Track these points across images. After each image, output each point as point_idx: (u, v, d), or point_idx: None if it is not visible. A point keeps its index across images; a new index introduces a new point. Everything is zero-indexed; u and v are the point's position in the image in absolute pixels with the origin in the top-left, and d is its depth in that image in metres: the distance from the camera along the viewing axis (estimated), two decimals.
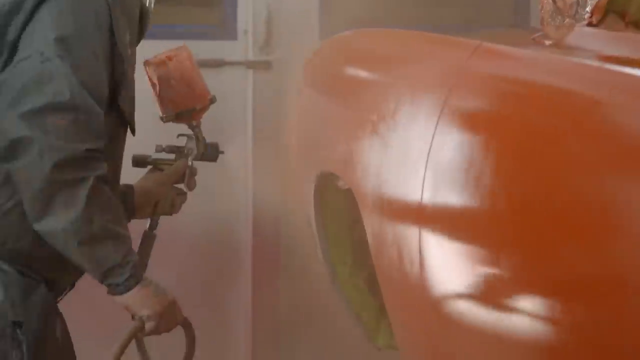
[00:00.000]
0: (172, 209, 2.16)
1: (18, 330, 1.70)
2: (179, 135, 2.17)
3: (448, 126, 1.40)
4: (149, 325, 1.77)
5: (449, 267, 1.37)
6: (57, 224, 1.67)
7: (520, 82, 1.40)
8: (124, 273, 1.73)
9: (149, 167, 2.13)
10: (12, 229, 1.73)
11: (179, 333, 2.04)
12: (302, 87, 2.40)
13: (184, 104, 2.13)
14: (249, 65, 3.07)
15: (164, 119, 2.14)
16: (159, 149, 2.15)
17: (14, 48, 1.71)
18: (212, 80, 3.11)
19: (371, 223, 1.67)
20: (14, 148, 1.65)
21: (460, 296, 1.35)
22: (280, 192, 3.00)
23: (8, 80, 1.69)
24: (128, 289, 1.73)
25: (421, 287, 1.41)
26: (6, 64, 1.69)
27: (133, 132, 1.88)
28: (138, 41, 1.91)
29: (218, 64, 3.04)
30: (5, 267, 1.71)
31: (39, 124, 1.65)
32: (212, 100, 2.19)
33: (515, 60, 1.53)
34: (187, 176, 2.13)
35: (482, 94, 1.42)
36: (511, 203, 1.28)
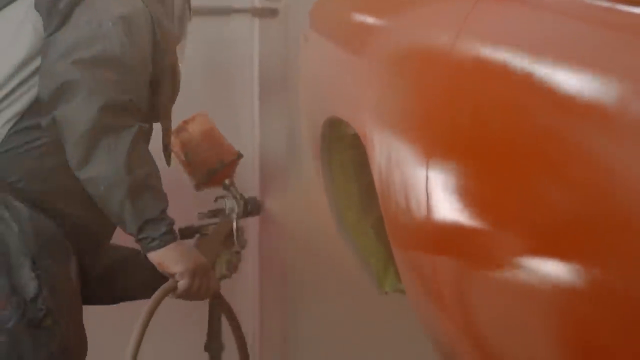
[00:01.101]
0: (230, 271, 2.19)
1: (34, 264, 1.72)
2: (217, 198, 2.17)
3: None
4: (181, 284, 1.81)
5: (455, 209, 1.38)
6: (100, 170, 1.72)
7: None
8: (161, 227, 1.76)
9: (197, 235, 2.15)
10: (27, 170, 1.77)
11: None
12: (309, 34, 2.39)
13: (212, 160, 2.18)
14: (255, 12, 3.04)
15: (199, 184, 2.18)
16: (202, 216, 2.19)
17: (65, 17, 1.78)
18: (219, 29, 3.11)
19: (378, 167, 1.67)
20: (64, 90, 1.71)
21: (466, 238, 1.36)
22: (287, 140, 3.00)
23: (60, 37, 1.76)
24: (164, 244, 1.76)
25: (428, 230, 1.42)
26: (57, 29, 1.76)
27: (168, 159, 2.05)
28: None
29: (224, 11, 3.03)
30: (17, 203, 1.74)
31: (89, 71, 1.72)
32: (239, 155, 2.20)
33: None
34: (236, 235, 2.14)
35: (488, 37, 1.42)
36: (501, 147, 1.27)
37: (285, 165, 3.05)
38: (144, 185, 1.78)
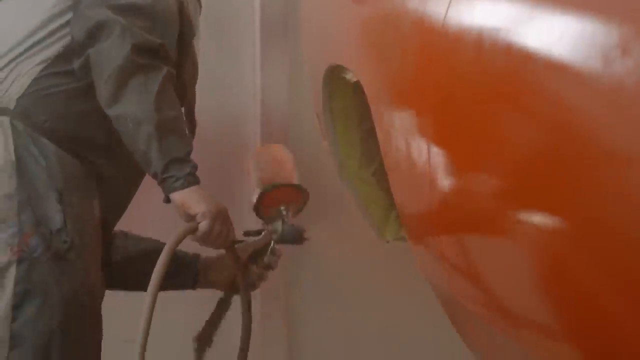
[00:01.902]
0: (250, 288, 2.21)
1: (60, 198, 1.80)
2: (267, 220, 2.17)
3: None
4: (202, 225, 1.85)
5: (454, 156, 1.42)
6: (129, 107, 1.80)
7: None
8: (186, 168, 1.81)
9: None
10: (53, 112, 1.86)
11: None
12: None
13: (268, 180, 2.14)
14: None
15: (254, 204, 2.15)
16: (247, 234, 2.19)
17: None
18: None
19: (380, 115, 1.69)
20: (99, 29, 1.81)
21: (464, 185, 1.40)
22: (288, 86, 3.03)
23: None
24: (188, 185, 1.80)
25: (429, 178, 1.46)
26: None
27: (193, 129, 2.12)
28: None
29: None
30: (45, 140, 1.83)
31: (122, 14, 1.82)
32: (299, 187, 2.21)
33: None
34: (269, 253, 2.13)
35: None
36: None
37: (288, 114, 3.06)
38: (171, 126, 1.83)
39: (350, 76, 1.86)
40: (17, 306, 1.76)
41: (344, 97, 2.04)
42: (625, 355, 1.10)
